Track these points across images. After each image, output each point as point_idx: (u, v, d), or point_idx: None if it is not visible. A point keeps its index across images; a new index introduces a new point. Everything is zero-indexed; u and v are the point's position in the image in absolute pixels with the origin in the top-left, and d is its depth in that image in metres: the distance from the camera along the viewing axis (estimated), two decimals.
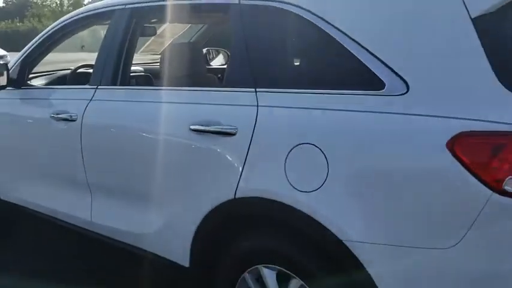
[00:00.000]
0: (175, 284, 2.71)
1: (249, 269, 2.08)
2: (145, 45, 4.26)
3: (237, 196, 2.02)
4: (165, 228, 2.37)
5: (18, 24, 38.12)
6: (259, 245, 2.06)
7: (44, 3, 68.45)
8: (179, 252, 2.30)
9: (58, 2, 69.11)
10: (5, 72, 3.08)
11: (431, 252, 1.62)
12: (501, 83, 1.55)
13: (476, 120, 1.55)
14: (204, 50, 4.05)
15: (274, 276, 2.01)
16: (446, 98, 1.63)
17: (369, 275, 1.70)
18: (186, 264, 2.30)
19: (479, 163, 1.53)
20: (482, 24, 1.61)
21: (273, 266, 2.00)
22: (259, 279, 2.08)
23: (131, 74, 2.93)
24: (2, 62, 3.33)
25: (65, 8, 62.38)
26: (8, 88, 3.13)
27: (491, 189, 1.51)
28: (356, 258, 1.72)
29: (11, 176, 3.31)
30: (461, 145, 1.54)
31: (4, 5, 78.66)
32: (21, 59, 3.20)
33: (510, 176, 1.49)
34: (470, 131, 1.54)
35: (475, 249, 1.57)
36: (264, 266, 2.03)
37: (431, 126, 1.61)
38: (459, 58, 1.65)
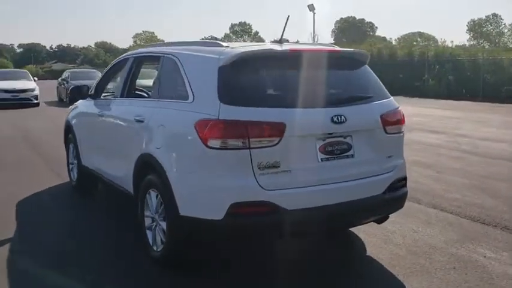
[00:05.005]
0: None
1: (148, 191, 4.03)
2: None
3: (142, 153, 4.03)
4: (125, 172, 4.44)
5: None
6: (149, 178, 3.99)
7: None
8: (130, 185, 4.36)
9: None
10: (87, 91, 5.58)
11: (191, 173, 3.45)
12: (219, 100, 3.34)
13: (206, 114, 3.36)
14: None
15: (156, 194, 3.93)
16: (201, 105, 3.47)
17: (169, 180, 3.56)
18: (132, 192, 4.35)
19: (202, 133, 3.33)
20: (221, 71, 3.43)
21: (154, 189, 3.93)
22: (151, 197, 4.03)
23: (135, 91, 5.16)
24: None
25: None
26: (88, 99, 5.62)
27: (205, 145, 3.31)
28: (167, 177, 3.59)
29: (86, 148, 5.75)
30: (198, 125, 3.37)
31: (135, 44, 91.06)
32: (96, 84, 5.65)
33: (210, 139, 3.28)
34: (200, 119, 3.36)
35: (207, 166, 3.37)
36: (151, 190, 3.97)
37: (194, 116, 3.45)
38: (209, 88, 3.45)
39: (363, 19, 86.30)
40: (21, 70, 27.13)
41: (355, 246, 4.40)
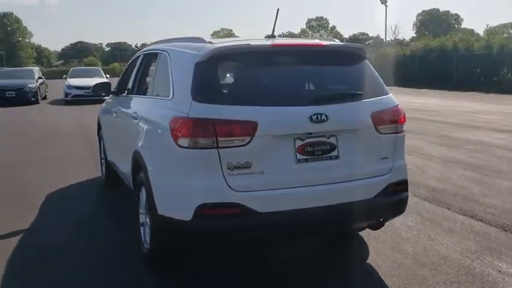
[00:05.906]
0: None
1: (140, 188, 4.02)
2: None
3: (133, 149, 4.03)
4: (127, 168, 4.47)
5: None
6: (141, 175, 3.97)
7: None
8: (130, 181, 4.39)
9: None
10: (109, 88, 5.71)
11: (165, 172, 3.39)
12: (191, 97, 3.24)
13: (179, 112, 3.27)
14: None
15: (145, 191, 3.91)
16: (177, 102, 3.38)
17: (149, 178, 3.53)
18: (132, 187, 4.37)
19: (174, 130, 3.24)
20: (196, 67, 3.32)
21: (143, 186, 3.90)
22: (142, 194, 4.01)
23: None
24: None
25: None
26: (111, 96, 5.75)
27: (176, 144, 3.23)
28: (147, 175, 3.56)
29: (108, 144, 5.89)
30: (171, 123, 3.29)
31: None
32: (118, 81, 5.76)
33: (180, 137, 3.19)
34: (173, 117, 3.28)
35: (178, 165, 3.28)
36: (142, 187, 3.95)
37: (170, 113, 3.37)
38: (185, 85, 3.34)
39: (448, 11, 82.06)
40: (95, 68, 28.67)
41: (357, 252, 4.11)
